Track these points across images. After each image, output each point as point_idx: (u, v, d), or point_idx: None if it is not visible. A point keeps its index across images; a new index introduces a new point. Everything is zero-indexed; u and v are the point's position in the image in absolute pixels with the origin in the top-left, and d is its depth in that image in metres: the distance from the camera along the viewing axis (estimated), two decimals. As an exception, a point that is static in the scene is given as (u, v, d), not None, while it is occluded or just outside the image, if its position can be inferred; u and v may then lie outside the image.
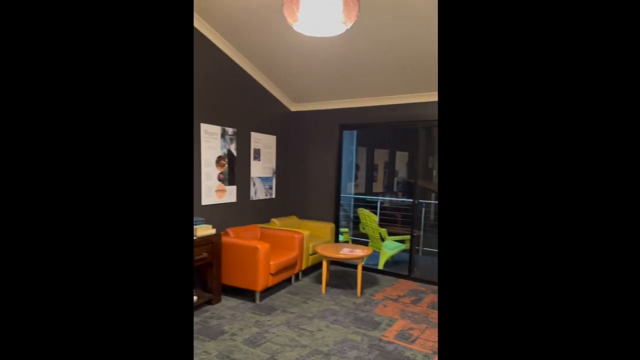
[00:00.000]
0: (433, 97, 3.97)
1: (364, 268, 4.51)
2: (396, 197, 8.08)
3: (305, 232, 4.02)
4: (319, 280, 4.11)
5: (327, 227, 4.65)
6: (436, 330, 2.96)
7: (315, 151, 4.86)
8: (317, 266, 4.50)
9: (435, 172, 8.14)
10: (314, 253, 4.19)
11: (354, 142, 6.10)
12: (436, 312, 3.35)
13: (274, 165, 4.68)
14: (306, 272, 4.38)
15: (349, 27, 1.57)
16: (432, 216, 7.33)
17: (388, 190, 8.15)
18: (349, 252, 3.70)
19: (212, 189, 3.69)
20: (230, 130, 3.88)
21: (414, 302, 3.56)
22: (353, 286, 3.92)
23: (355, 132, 5.95)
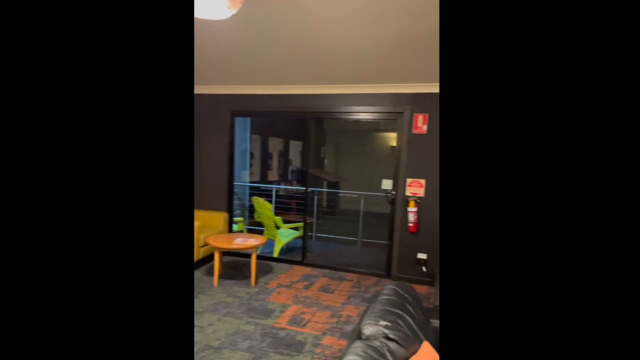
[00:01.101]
0: (322, 89, 4.09)
1: (259, 257, 4.50)
2: (291, 185, 8.23)
3: (196, 223, 3.83)
4: (211, 272, 3.98)
5: (220, 217, 4.50)
6: (325, 312, 3.13)
7: (205, 137, 4.63)
8: (209, 258, 4.34)
9: (326, 161, 8.50)
10: (205, 245, 4.03)
11: (248, 130, 5.98)
12: (326, 294, 3.53)
13: (159, 152, 4.31)
14: (197, 265, 4.19)
15: (234, 12, 1.50)
16: (324, 203, 7.67)
17: (283, 178, 8.24)
18: (242, 242, 3.64)
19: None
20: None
21: (306, 287, 3.69)
22: (247, 276, 3.89)
23: (248, 119, 5.83)
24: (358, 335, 1.36)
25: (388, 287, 1.81)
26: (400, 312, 1.53)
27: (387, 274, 4.15)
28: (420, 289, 3.81)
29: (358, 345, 1.21)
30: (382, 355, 1.19)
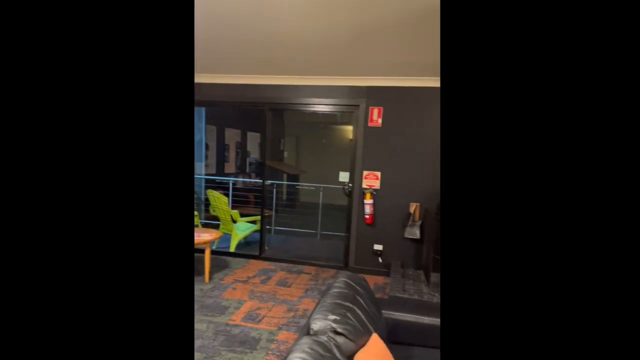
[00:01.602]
0: (278, 80, 4.01)
1: (214, 252, 4.37)
2: (249, 178, 8.07)
3: (145, 220, 3.64)
4: (163, 270, 3.80)
5: (173, 213, 4.31)
6: (282, 306, 3.09)
7: (156, 130, 4.40)
8: (162, 255, 4.14)
9: (286, 154, 8.42)
10: (157, 241, 3.84)
11: (203, 120, 5.77)
12: (283, 288, 3.49)
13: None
14: (148, 262, 3.99)
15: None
16: (283, 196, 7.61)
17: (241, 171, 8.06)
18: (195, 237, 3.51)
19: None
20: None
21: (263, 282, 3.64)
22: (201, 272, 3.77)
23: (203, 109, 5.62)
24: (307, 330, 1.34)
25: (340, 280, 1.80)
26: (350, 304, 1.52)
27: (345, 265, 4.18)
28: (377, 279, 3.87)
29: (305, 341, 1.18)
30: (329, 351, 1.17)
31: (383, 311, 1.90)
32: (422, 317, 1.90)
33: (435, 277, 3.52)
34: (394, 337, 1.89)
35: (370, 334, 1.43)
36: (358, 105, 3.91)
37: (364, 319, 1.50)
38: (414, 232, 3.86)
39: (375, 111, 3.86)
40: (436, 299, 3.08)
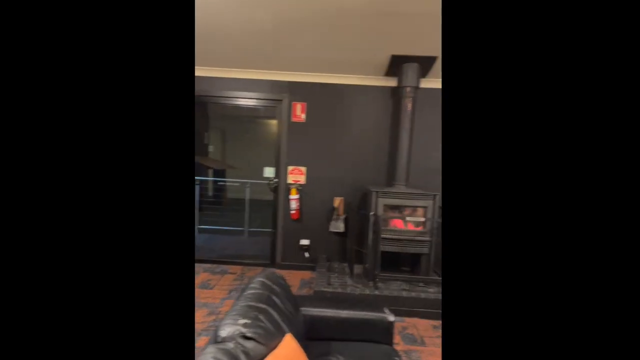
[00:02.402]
0: (202, 72, 3.81)
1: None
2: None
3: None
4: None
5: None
6: (203, 310, 2.95)
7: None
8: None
9: (211, 148, 8.08)
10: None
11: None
12: (205, 290, 3.34)
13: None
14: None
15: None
16: (209, 192, 7.30)
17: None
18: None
19: None
20: None
21: (184, 285, 3.44)
22: (114, 279, 3.45)
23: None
24: (215, 337, 1.27)
25: (256, 280, 1.74)
26: (264, 306, 1.48)
27: (272, 262, 4.13)
28: (304, 275, 3.88)
29: (209, 351, 1.11)
30: (236, 358, 1.12)
31: (302, 308, 1.89)
32: (340, 311, 1.92)
33: (358, 268, 3.62)
34: (313, 333, 1.89)
35: (283, 335, 1.40)
36: (281, 100, 3.85)
37: (278, 320, 1.46)
38: (339, 226, 3.93)
39: (299, 106, 3.84)
40: (359, 290, 3.16)
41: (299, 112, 3.85)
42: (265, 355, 1.25)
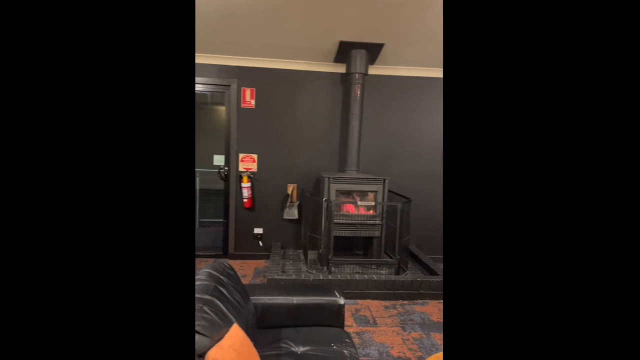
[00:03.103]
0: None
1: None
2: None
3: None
4: None
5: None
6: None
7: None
8: None
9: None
10: None
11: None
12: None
13: None
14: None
15: None
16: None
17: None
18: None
19: None
20: None
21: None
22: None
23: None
24: (156, 333, 1.21)
25: (202, 272, 1.69)
26: (209, 297, 1.43)
27: (225, 253, 4.04)
28: (258, 264, 3.84)
29: (147, 347, 1.06)
30: (176, 353, 1.07)
31: (252, 297, 1.86)
32: (291, 297, 1.92)
33: (312, 254, 3.64)
34: (264, 322, 1.87)
35: (230, 325, 1.37)
36: (229, 86, 3.73)
37: (225, 310, 1.43)
38: (293, 213, 3.92)
39: (248, 92, 3.74)
40: (313, 276, 3.18)
41: (249, 98, 3.75)
42: (210, 347, 1.21)
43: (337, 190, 3.41)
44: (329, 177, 3.36)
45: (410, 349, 2.39)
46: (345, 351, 1.67)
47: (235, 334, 1.30)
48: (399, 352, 2.35)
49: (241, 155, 3.84)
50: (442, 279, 3.19)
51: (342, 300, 1.93)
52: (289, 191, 3.92)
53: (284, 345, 1.70)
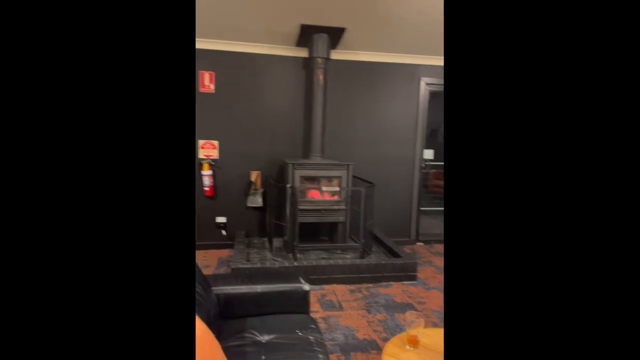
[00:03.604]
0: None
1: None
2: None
3: None
4: None
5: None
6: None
7: None
8: None
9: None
10: None
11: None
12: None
13: None
14: None
15: None
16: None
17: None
18: None
19: None
20: None
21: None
22: None
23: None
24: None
25: (160, 264, 1.61)
26: (168, 290, 1.37)
27: (187, 243, 3.92)
28: (221, 253, 3.77)
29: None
30: (131, 351, 1.02)
31: (214, 287, 1.81)
32: (255, 286, 1.88)
33: (278, 242, 3.61)
34: (228, 312, 1.83)
35: (191, 318, 1.32)
36: (187, 69, 3.56)
37: (185, 303, 1.37)
38: (257, 201, 3.85)
39: (207, 76, 3.59)
40: (278, 263, 3.16)
41: (208, 82, 3.60)
42: (169, 342, 1.16)
43: (301, 177, 3.38)
44: (293, 164, 3.32)
45: (375, 331, 2.44)
46: (310, 337, 1.67)
47: (196, 327, 1.26)
48: (364, 334, 2.39)
49: (201, 142, 3.71)
50: (404, 261, 3.27)
51: (307, 287, 1.92)
52: (253, 178, 3.85)
53: (248, 335, 1.67)
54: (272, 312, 1.88)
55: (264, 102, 3.78)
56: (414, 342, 1.44)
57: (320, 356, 1.54)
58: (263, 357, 1.51)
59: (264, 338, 1.66)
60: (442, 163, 6.29)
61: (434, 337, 1.53)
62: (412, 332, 1.45)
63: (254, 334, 1.68)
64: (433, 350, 1.42)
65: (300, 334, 1.69)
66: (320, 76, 3.48)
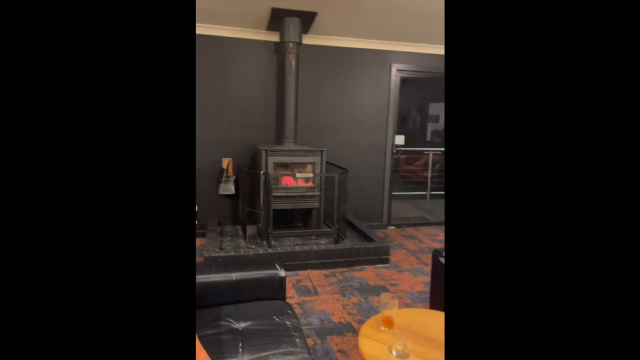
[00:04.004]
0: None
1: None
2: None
3: None
4: None
5: None
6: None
7: None
8: None
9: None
10: None
11: None
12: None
13: None
14: None
15: None
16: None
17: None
18: None
19: None
20: None
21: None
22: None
23: None
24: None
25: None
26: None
27: (157, 233, 3.83)
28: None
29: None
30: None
31: (188, 277, 1.78)
32: (230, 274, 1.87)
33: (251, 229, 3.58)
34: (203, 301, 1.81)
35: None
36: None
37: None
38: (229, 188, 3.80)
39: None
40: (253, 250, 3.15)
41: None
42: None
43: (275, 163, 3.35)
44: (266, 150, 3.28)
45: (350, 314, 2.48)
46: (287, 322, 1.68)
47: (171, 317, 1.23)
48: (339, 317, 2.43)
49: (170, 129, 3.59)
50: (377, 245, 3.33)
51: (283, 273, 1.93)
52: (224, 165, 3.78)
53: (224, 323, 1.66)
54: (247, 300, 1.88)
55: (235, 88, 3.70)
56: (388, 323, 1.48)
57: (298, 341, 1.55)
58: (240, 345, 1.51)
59: (240, 325, 1.65)
60: (413, 148, 6.40)
61: (408, 318, 1.57)
62: (387, 313, 1.49)
63: (230, 322, 1.67)
64: (407, 330, 1.47)
65: (277, 319, 1.70)
66: (292, 61, 3.43)
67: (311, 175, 3.46)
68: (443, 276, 2.14)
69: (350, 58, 3.94)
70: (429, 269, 3.26)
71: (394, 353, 1.33)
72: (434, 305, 2.21)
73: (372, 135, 4.16)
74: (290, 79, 3.45)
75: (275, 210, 3.29)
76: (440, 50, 4.16)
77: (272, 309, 1.80)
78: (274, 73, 3.77)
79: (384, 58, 4.04)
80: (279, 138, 3.71)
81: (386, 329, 1.48)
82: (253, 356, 1.44)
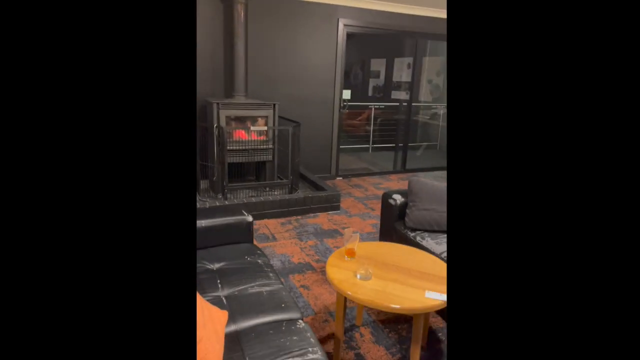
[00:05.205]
0: None
1: None
2: None
3: None
4: None
5: None
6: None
7: None
8: None
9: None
10: None
11: None
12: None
13: None
14: None
15: None
16: None
17: None
18: None
19: None
20: None
21: None
22: None
23: None
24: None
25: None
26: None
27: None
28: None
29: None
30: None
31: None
32: (200, 221, 1.96)
33: (204, 183, 3.61)
34: (174, 247, 1.90)
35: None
36: None
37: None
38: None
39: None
40: (209, 203, 3.21)
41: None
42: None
43: (227, 117, 3.35)
44: (218, 103, 3.26)
45: (308, 255, 2.72)
46: (259, 260, 1.84)
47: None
48: (299, 259, 2.66)
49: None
50: (328, 194, 3.56)
51: (250, 218, 2.06)
52: (172, 120, 3.68)
53: (199, 265, 1.78)
54: (217, 245, 2.00)
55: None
56: (351, 254, 1.71)
57: (271, 274, 1.73)
58: (219, 281, 1.65)
59: (215, 266, 1.79)
60: (359, 103, 6.61)
61: (366, 249, 1.82)
62: (349, 245, 1.71)
63: (204, 264, 1.79)
64: (367, 258, 1.71)
65: (248, 259, 1.85)
66: (241, 12, 3.34)
67: (265, 128, 3.52)
68: (391, 214, 2.42)
69: (298, 11, 3.91)
70: (375, 213, 3.58)
71: (358, 276, 1.56)
72: (383, 241, 2.51)
73: (320, 89, 4.26)
74: (240, 30, 3.38)
75: (229, 164, 3.33)
76: (385, 6, 4.27)
77: (242, 250, 1.95)
78: (221, 23, 3.64)
79: (331, 12, 4.06)
80: (229, 91, 3.67)
81: (349, 258, 1.71)
82: (233, 289, 1.60)
